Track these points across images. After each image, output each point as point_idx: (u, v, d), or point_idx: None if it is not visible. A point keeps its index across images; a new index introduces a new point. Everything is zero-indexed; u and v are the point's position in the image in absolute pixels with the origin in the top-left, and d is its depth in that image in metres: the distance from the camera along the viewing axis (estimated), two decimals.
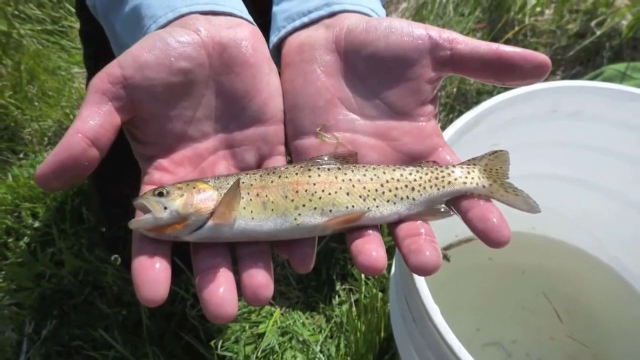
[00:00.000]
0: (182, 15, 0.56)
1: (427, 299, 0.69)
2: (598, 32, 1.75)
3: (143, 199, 0.50)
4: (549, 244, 1.26)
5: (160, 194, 0.50)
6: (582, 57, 1.78)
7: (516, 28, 1.79)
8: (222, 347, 1.18)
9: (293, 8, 0.62)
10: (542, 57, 0.52)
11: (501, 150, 0.58)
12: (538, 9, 1.83)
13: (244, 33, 0.57)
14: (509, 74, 0.54)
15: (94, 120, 0.49)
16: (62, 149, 0.47)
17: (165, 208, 0.50)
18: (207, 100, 0.56)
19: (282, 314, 1.25)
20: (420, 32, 0.56)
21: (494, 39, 1.75)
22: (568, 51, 1.79)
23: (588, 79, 1.57)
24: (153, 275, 0.47)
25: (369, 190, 0.53)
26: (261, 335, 1.20)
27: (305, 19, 0.61)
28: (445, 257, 1.21)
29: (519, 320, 1.17)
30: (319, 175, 0.54)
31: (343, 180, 0.54)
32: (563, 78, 1.77)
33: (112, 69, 0.51)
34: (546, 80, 0.60)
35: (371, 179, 0.54)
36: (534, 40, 1.82)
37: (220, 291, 0.47)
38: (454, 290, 1.19)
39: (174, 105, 0.55)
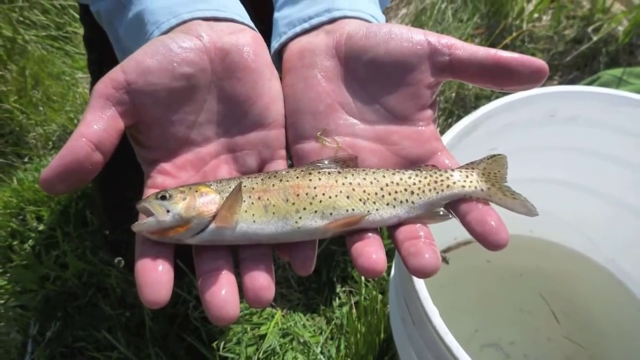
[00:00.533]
0: (185, 22, 0.57)
1: (426, 300, 0.69)
2: (595, 38, 1.76)
3: (146, 203, 0.51)
4: (546, 247, 1.27)
5: (163, 198, 0.51)
6: (579, 63, 1.80)
7: (514, 34, 1.80)
8: (224, 348, 1.19)
9: (294, 14, 0.63)
10: (539, 62, 0.53)
11: (499, 154, 0.58)
12: (536, 15, 1.85)
13: (245, 39, 0.57)
14: (507, 79, 0.54)
15: (97, 125, 0.49)
16: (66, 153, 0.47)
17: (168, 211, 0.50)
18: (209, 105, 0.57)
19: (283, 316, 1.26)
20: (420, 37, 0.56)
21: (492, 45, 1.77)
22: (565, 57, 1.80)
23: (585, 84, 1.58)
24: (156, 277, 0.47)
25: (369, 194, 0.54)
26: (262, 337, 1.21)
27: (306, 25, 0.62)
28: (444, 260, 1.22)
29: (517, 322, 1.18)
30: (320, 179, 0.54)
31: (343, 184, 0.54)
32: (560, 83, 1.78)
33: (115, 74, 0.52)
34: (544, 85, 0.61)
35: (371, 183, 0.55)
36: (531, 45, 1.83)
37: (223, 293, 0.48)
38: (453, 292, 1.20)
39: (177, 109, 0.55)
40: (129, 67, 0.52)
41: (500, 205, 0.55)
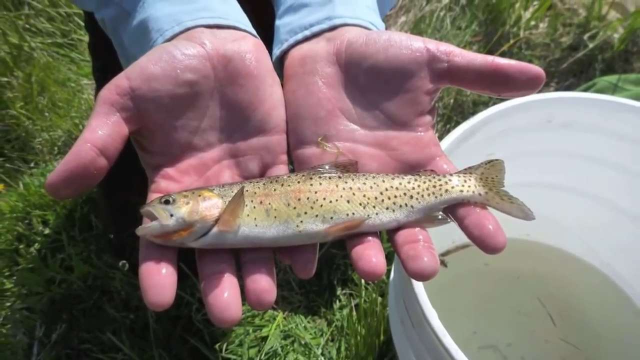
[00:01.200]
0: (188, 29, 0.58)
1: (425, 303, 0.70)
2: (591, 45, 1.78)
3: (150, 207, 0.52)
4: (543, 250, 1.28)
5: (167, 202, 0.51)
6: (575, 69, 1.81)
7: (511, 41, 1.81)
8: (226, 350, 1.20)
9: (295, 22, 0.64)
10: (536, 69, 0.54)
11: (497, 160, 0.59)
12: (532, 22, 1.86)
13: (247, 46, 0.58)
14: (504, 85, 0.55)
15: (102, 131, 0.50)
16: (71, 158, 0.48)
17: (172, 215, 0.51)
18: (212, 111, 0.58)
19: (284, 318, 1.27)
20: (419, 45, 0.57)
21: (490, 52, 1.78)
22: (561, 63, 1.82)
23: (581, 90, 1.60)
24: (159, 280, 0.48)
25: (368, 198, 0.55)
26: (264, 339, 1.22)
27: (307, 32, 0.62)
28: (443, 263, 1.23)
29: (514, 324, 1.19)
30: (321, 184, 0.55)
31: (344, 189, 0.55)
32: (557, 89, 1.80)
33: (120, 81, 0.53)
34: (540, 91, 0.61)
35: (371, 187, 0.55)
36: (528, 52, 1.85)
37: (225, 296, 0.48)
38: (451, 294, 1.21)
39: (180, 115, 0.56)
40: (133, 74, 0.53)
41: (498, 209, 0.55)
